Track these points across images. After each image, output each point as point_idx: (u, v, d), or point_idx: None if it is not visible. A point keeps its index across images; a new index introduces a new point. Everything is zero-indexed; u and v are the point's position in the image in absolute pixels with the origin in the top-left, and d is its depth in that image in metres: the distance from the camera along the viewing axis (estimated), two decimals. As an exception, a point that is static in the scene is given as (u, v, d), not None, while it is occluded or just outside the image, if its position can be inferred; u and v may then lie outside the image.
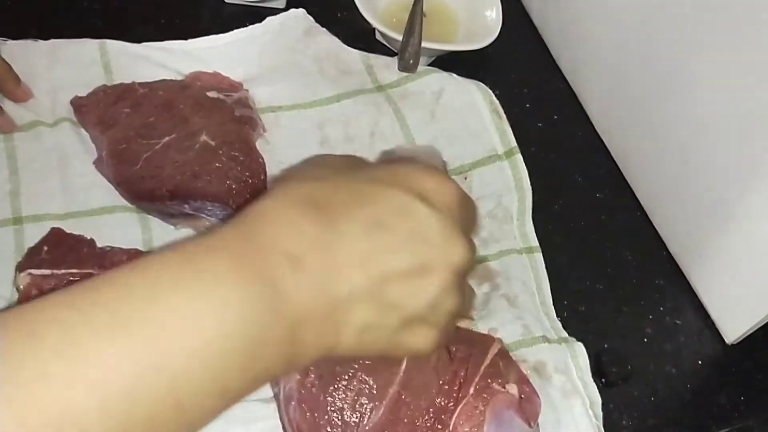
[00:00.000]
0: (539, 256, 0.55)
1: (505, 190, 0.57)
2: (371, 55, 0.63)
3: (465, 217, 0.36)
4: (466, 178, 0.56)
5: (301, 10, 0.63)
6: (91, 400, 0.27)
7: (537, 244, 0.55)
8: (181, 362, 0.28)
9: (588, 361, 0.50)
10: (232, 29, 0.62)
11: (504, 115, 0.60)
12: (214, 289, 0.30)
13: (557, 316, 0.53)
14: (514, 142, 0.59)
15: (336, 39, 0.63)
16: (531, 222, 0.56)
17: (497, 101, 0.60)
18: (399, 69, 0.61)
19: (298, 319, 0.31)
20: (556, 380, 0.48)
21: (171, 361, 0.28)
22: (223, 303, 0.29)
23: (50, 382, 0.26)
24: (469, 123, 0.60)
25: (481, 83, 0.61)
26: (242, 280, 0.30)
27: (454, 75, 0.62)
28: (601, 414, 0.48)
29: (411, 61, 0.61)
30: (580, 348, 0.50)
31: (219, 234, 0.32)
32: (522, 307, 0.51)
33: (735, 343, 0.54)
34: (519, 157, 0.58)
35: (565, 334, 0.51)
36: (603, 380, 0.50)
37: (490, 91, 0.61)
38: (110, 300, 0.29)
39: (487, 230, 0.55)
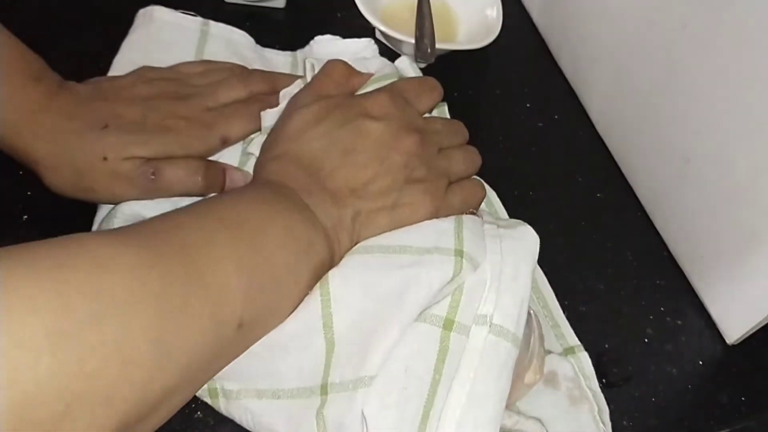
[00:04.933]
0: (538, 271, 0.54)
1: (486, 203, 0.57)
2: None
3: (405, 107, 0.50)
4: None
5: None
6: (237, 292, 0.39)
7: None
8: (282, 262, 0.42)
9: (593, 371, 0.50)
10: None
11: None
12: (291, 221, 0.43)
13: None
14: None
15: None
16: (504, 211, 0.56)
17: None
18: (417, 60, 0.61)
19: (327, 228, 0.45)
20: (565, 387, 0.48)
21: (276, 262, 0.41)
22: (298, 226, 0.43)
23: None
24: None
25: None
26: (297, 213, 0.44)
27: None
28: (609, 423, 0.48)
29: (429, 50, 0.61)
30: (585, 359, 0.50)
31: (267, 188, 0.46)
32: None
33: (736, 343, 0.54)
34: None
35: (573, 341, 0.51)
36: (603, 381, 0.50)
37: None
38: (235, 230, 0.40)
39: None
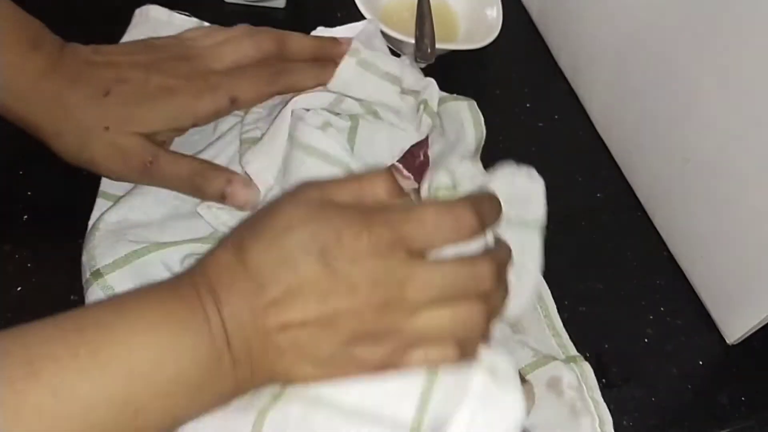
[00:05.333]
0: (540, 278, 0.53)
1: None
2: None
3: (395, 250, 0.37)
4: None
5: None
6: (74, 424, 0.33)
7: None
8: (146, 397, 0.34)
9: (596, 383, 0.49)
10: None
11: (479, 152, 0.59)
12: (176, 334, 0.35)
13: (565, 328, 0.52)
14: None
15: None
16: None
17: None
18: (416, 59, 0.61)
19: (234, 357, 0.36)
20: (568, 396, 0.48)
21: (138, 396, 0.34)
22: (181, 346, 0.35)
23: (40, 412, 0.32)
24: (452, 158, 0.57)
25: (480, 117, 0.58)
26: (193, 325, 0.36)
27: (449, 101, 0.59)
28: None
29: (429, 50, 0.61)
30: (588, 369, 0.50)
31: (182, 279, 0.38)
32: (526, 331, 0.51)
33: (736, 343, 0.54)
34: None
35: (573, 351, 0.51)
36: (603, 381, 0.50)
37: (483, 128, 0.57)
38: (94, 341, 0.34)
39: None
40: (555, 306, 0.53)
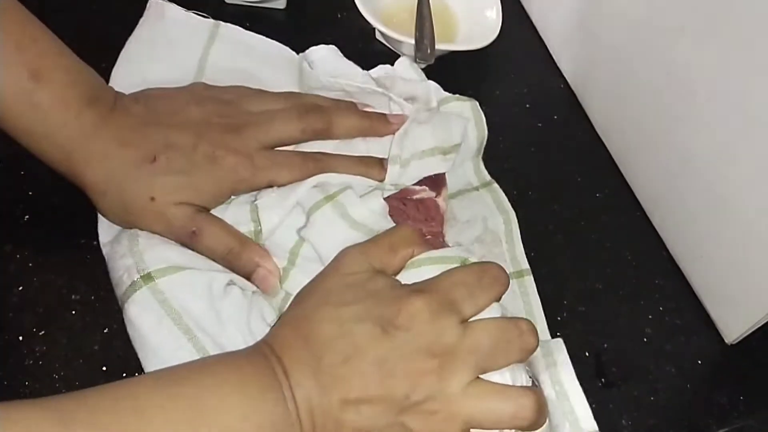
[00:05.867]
0: (529, 279, 0.54)
1: (489, 213, 0.56)
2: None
3: (441, 317, 0.41)
4: (446, 206, 0.55)
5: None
6: None
7: (527, 267, 0.54)
8: None
9: (568, 360, 0.46)
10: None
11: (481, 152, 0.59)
12: (259, 393, 0.39)
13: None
14: (488, 176, 0.59)
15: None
16: (521, 244, 0.55)
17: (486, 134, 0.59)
18: (416, 60, 0.61)
19: (303, 425, 0.39)
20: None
21: None
22: (264, 405, 0.39)
23: None
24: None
25: (482, 118, 0.59)
26: (271, 388, 0.39)
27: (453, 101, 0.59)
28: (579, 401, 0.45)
29: (428, 51, 0.61)
30: (557, 344, 0.47)
31: (248, 351, 0.42)
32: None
33: (735, 342, 0.54)
34: (495, 185, 0.58)
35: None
36: (603, 380, 0.50)
37: (485, 128, 0.58)
38: (167, 409, 0.37)
39: (478, 255, 0.54)
40: (539, 302, 0.53)
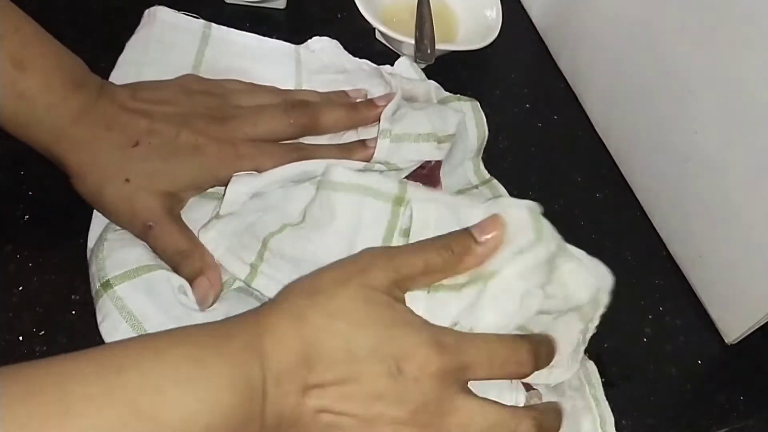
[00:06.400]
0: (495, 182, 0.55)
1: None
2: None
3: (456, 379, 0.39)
4: None
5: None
6: None
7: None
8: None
9: (600, 380, 0.49)
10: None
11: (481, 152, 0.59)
12: (216, 391, 0.35)
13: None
14: (488, 175, 0.59)
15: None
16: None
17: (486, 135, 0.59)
18: (416, 60, 0.61)
19: (265, 422, 0.37)
20: (569, 396, 0.48)
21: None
22: (217, 405, 0.35)
23: None
24: (453, 157, 0.58)
25: (482, 118, 0.59)
26: (234, 385, 0.36)
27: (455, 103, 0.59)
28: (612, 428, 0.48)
29: (428, 51, 0.61)
30: (592, 366, 0.50)
31: (227, 332, 0.38)
32: None
33: (734, 342, 0.54)
34: (495, 182, 0.58)
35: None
36: (603, 380, 0.50)
37: (486, 129, 0.58)
38: (131, 385, 0.34)
39: None
40: None
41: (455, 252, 0.42)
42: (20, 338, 0.46)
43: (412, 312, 0.41)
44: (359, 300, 0.39)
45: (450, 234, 0.43)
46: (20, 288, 0.48)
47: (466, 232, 0.43)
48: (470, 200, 0.49)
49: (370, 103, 0.55)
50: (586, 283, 0.44)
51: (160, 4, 0.60)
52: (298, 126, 0.52)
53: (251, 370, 0.37)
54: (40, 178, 0.52)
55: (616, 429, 0.48)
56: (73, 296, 0.48)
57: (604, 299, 0.45)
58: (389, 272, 0.40)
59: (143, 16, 0.60)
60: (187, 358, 0.36)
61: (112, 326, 0.44)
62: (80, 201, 0.49)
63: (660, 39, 0.55)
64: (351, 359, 0.38)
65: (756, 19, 0.46)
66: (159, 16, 0.60)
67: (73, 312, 0.47)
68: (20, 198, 0.52)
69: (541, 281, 0.43)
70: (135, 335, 0.43)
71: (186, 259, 0.47)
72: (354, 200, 0.46)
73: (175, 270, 0.47)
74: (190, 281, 0.46)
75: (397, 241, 0.46)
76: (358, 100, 0.56)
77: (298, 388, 0.37)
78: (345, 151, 0.52)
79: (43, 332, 0.46)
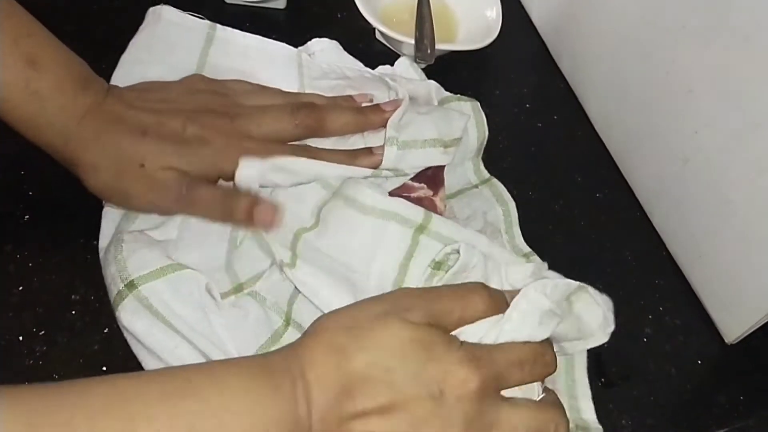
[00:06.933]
0: (535, 259, 0.54)
1: (488, 206, 0.57)
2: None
3: (487, 398, 0.40)
4: (445, 206, 0.56)
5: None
6: None
7: (529, 249, 0.55)
8: None
9: (585, 374, 0.49)
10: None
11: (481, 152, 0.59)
12: (265, 424, 0.37)
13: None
14: (487, 174, 0.59)
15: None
16: (520, 234, 0.56)
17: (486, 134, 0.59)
18: (416, 60, 0.61)
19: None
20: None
21: None
22: (267, 420, 0.37)
23: None
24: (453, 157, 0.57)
25: (483, 118, 0.59)
26: (282, 405, 0.38)
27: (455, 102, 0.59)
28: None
29: (428, 51, 0.61)
30: (580, 359, 0.49)
31: (273, 361, 0.40)
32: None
33: (734, 342, 0.54)
34: (495, 180, 0.58)
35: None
36: (602, 380, 0.50)
37: (486, 129, 0.59)
38: (192, 409, 0.36)
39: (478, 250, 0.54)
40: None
41: (497, 306, 0.42)
42: (20, 338, 0.46)
43: (443, 332, 0.41)
44: (398, 333, 0.40)
45: (496, 291, 0.44)
46: (20, 288, 0.48)
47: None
48: (514, 256, 0.51)
49: (376, 108, 0.55)
50: (596, 314, 0.45)
51: (162, 4, 0.60)
52: (303, 127, 0.53)
53: (298, 404, 0.38)
54: (40, 177, 0.52)
55: (616, 429, 0.49)
56: (73, 296, 0.48)
57: (610, 327, 0.46)
58: (427, 315, 0.41)
59: (147, 15, 0.60)
60: (243, 389, 0.37)
61: (148, 323, 0.44)
62: (81, 201, 0.49)
63: (660, 39, 0.55)
64: (392, 386, 0.38)
65: (756, 19, 0.46)
66: (164, 16, 0.60)
67: (73, 312, 0.47)
68: (20, 198, 0.52)
69: (560, 304, 0.44)
70: (169, 330, 0.44)
71: (236, 198, 0.48)
72: (378, 224, 0.48)
73: (226, 214, 0.48)
74: (247, 217, 0.48)
75: (417, 268, 0.47)
76: (364, 105, 0.56)
77: (342, 419, 0.38)
78: (351, 156, 0.53)
79: (43, 332, 0.46)
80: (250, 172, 0.49)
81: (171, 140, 0.48)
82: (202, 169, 0.49)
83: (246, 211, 0.48)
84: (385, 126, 0.53)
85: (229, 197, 0.48)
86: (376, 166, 0.52)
